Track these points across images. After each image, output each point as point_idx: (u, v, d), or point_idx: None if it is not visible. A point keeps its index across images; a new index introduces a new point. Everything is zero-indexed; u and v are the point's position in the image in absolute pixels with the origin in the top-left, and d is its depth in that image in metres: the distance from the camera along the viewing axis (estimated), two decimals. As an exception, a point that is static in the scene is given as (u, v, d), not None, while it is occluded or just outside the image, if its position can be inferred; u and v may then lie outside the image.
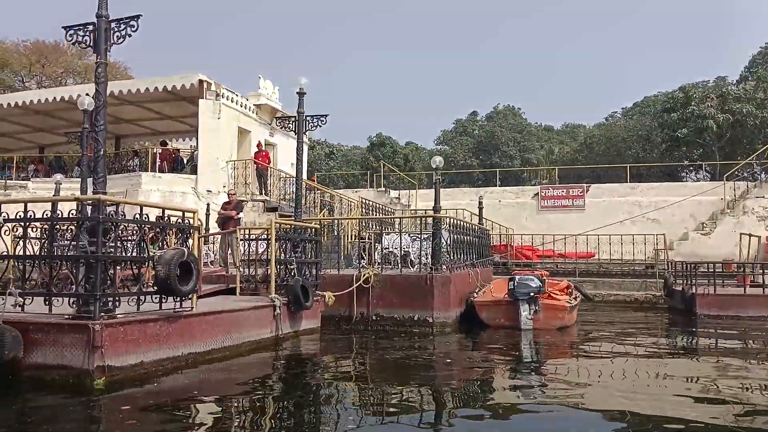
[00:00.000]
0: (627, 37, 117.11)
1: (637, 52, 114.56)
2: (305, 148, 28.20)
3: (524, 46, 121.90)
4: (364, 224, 17.81)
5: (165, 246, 7.04)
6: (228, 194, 16.11)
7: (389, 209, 22.01)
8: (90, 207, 6.35)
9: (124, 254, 6.67)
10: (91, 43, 6.54)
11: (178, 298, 7.16)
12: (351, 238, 16.97)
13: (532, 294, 11.28)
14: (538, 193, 24.72)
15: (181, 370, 7.07)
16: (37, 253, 6.85)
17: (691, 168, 42.99)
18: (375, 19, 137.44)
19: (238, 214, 15.04)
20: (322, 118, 10.64)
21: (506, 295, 11.61)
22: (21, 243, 7.54)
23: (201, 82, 20.44)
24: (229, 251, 14.32)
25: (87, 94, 12.40)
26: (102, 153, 6.44)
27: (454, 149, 60.83)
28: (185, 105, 22.87)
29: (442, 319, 11.13)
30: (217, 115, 20.57)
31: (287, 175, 21.63)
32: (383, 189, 25.34)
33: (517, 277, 11.60)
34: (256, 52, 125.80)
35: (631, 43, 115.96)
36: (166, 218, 7.13)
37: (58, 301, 6.45)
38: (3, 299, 6.36)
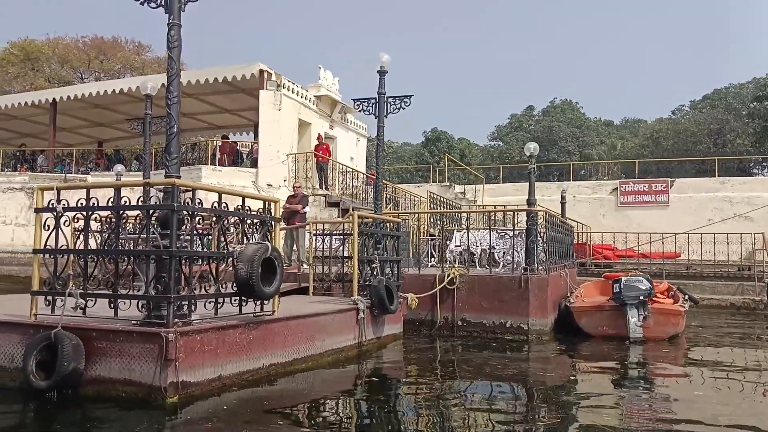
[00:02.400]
0: (689, 29, 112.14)
1: (703, 44, 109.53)
2: (364, 141, 27.39)
3: (581, 41, 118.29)
4: (432, 220, 16.67)
5: (244, 240, 6.03)
6: (293, 187, 15.19)
7: (455, 204, 20.76)
8: (162, 194, 5.38)
9: (198, 249, 5.67)
10: (163, 3, 5.57)
11: (259, 301, 6.16)
12: (419, 235, 15.76)
13: (641, 298, 9.88)
14: (617, 188, 22.98)
15: (262, 384, 6.07)
16: (99, 247, 5.98)
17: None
18: (421, 13, 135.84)
19: (303, 208, 14.10)
20: (405, 99, 9.51)
21: (610, 300, 10.24)
22: (81, 236, 6.72)
23: (261, 72, 19.67)
24: (294, 248, 13.43)
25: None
26: (176, 130, 5.46)
27: (509, 145, 59.11)
28: (244, 97, 22.21)
29: (538, 327, 9.86)
30: (277, 106, 19.75)
31: (351, 169, 20.65)
32: (447, 184, 24.07)
33: (623, 278, 10.21)
34: (306, 43, 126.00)
35: (695, 36, 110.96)
36: (247, 208, 6.11)
37: (124, 303, 5.51)
38: (62, 300, 5.47)
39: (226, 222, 5.89)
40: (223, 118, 25.67)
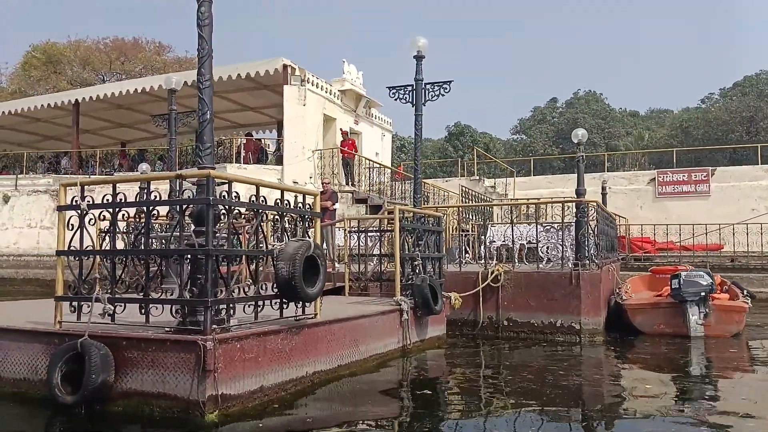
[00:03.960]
0: (713, 18, 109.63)
1: (728, 32, 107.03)
2: (389, 136, 26.82)
3: (603, 32, 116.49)
4: (465, 215, 16.05)
5: (284, 237, 5.50)
6: (323, 184, 14.71)
7: (487, 198, 20.10)
8: (196, 188, 4.86)
9: (236, 247, 5.14)
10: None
11: (300, 303, 5.63)
12: (451, 231, 15.13)
13: (702, 294, 9.18)
14: (654, 178, 22.09)
15: (306, 394, 5.53)
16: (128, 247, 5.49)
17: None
18: (439, 6, 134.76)
19: (333, 204, 13.61)
20: (444, 85, 8.91)
21: (668, 296, 9.55)
22: (107, 237, 6.26)
23: (285, 67, 19.20)
24: (325, 245, 12.94)
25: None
26: (209, 117, 4.94)
27: (532, 138, 58.18)
28: (267, 94, 21.77)
29: (591, 326, 9.20)
30: (302, 101, 19.27)
31: (378, 164, 20.10)
32: (477, 177, 23.39)
33: (682, 273, 9.51)
34: (329, 37, 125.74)
35: (719, 25, 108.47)
36: (285, 202, 5.58)
37: (156, 308, 5.00)
38: (89, 306, 4.98)
39: (264, 218, 5.35)
40: (245, 116, 25.29)
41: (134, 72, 34.74)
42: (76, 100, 22.56)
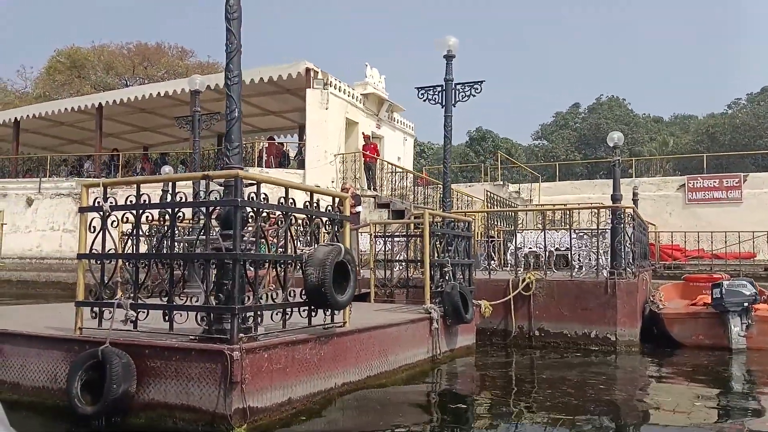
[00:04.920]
0: (736, 23, 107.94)
1: (753, 38, 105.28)
2: (411, 141, 26.55)
3: (625, 36, 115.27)
4: (490, 221, 15.72)
5: (313, 242, 5.25)
6: (342, 188, 14.49)
7: (511, 203, 19.73)
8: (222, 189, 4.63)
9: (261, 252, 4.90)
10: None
11: (328, 311, 5.37)
12: (476, 237, 14.78)
13: (746, 304, 8.75)
14: (684, 184, 21.53)
15: (335, 407, 5.26)
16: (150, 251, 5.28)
17: None
18: (459, 9, 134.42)
19: (357, 206, 13.35)
20: (475, 86, 8.61)
21: (708, 305, 9.13)
22: (129, 240, 6.05)
23: (308, 70, 19.05)
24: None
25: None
26: (237, 114, 4.70)
27: (554, 144, 57.54)
28: (288, 98, 21.66)
29: (627, 337, 8.82)
30: (324, 105, 19.10)
31: (401, 169, 19.83)
32: (501, 183, 23.01)
33: (724, 282, 9.09)
34: (347, 41, 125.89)
35: (743, 30, 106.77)
36: (315, 205, 5.32)
37: (180, 314, 4.77)
38: (110, 312, 4.76)
39: (293, 221, 5.10)
40: (267, 121, 25.20)
41: (157, 77, 34.91)
42: (100, 103, 22.62)
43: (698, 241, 18.39)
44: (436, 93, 8.81)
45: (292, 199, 5.01)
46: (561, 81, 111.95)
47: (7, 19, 79.03)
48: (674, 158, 35.84)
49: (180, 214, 4.77)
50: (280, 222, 4.93)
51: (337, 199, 5.77)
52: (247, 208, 4.54)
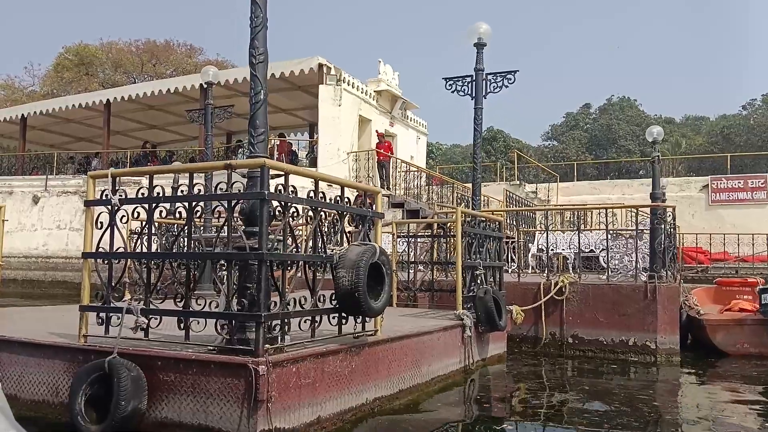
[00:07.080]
0: (749, 26, 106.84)
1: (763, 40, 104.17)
2: (424, 139, 25.99)
3: (637, 37, 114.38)
4: (511, 222, 15.16)
5: (344, 241, 4.71)
6: (358, 185, 13.94)
7: (528, 203, 19.15)
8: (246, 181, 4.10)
9: (291, 251, 4.36)
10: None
11: (360, 318, 4.83)
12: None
13: (795, 311, 8.18)
14: (707, 185, 20.89)
15: (367, 424, 4.72)
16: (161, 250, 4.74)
17: None
18: (468, 10, 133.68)
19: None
20: (508, 76, 8.06)
21: (756, 312, 8.55)
22: (138, 239, 5.55)
23: (320, 66, 18.52)
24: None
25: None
26: (263, 98, 4.18)
27: (564, 144, 56.83)
28: (300, 95, 21.15)
29: (668, 345, 8.24)
30: (337, 102, 18.56)
31: (415, 168, 19.28)
32: (518, 182, 22.41)
33: (772, 288, 8.50)
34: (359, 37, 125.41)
35: (757, 32, 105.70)
36: (345, 200, 4.79)
37: (197, 322, 4.24)
38: (118, 318, 4.24)
39: (323, 217, 4.56)
40: (277, 118, 24.65)
41: (165, 74, 34.51)
42: (108, 100, 22.18)
43: (724, 244, 17.75)
44: (465, 84, 8.25)
45: (322, 192, 4.47)
46: (571, 81, 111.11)
47: (15, 15, 78.94)
48: (695, 158, 35.13)
49: (197, 209, 4.24)
50: (309, 219, 4.38)
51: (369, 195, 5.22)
52: (273, 202, 4.00)
